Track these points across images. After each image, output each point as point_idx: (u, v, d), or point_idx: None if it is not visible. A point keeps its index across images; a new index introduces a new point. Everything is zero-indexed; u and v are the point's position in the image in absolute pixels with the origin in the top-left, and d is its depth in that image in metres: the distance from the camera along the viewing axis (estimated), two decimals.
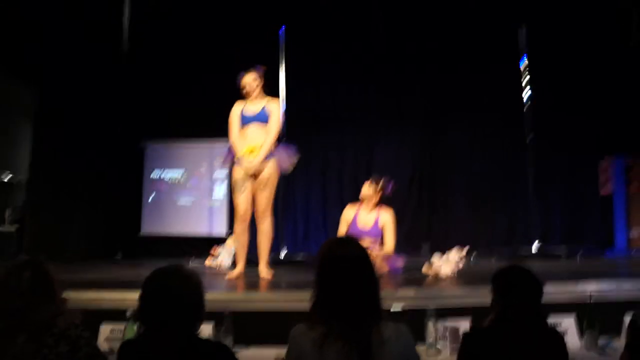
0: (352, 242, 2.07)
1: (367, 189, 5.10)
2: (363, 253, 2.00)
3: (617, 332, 3.09)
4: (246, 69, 5.04)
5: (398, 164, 7.60)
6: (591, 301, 3.08)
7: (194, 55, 7.56)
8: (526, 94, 6.82)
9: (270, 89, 6.71)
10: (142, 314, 1.98)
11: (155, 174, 8.06)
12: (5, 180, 8.09)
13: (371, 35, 7.18)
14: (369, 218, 5.07)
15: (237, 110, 5.00)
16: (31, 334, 2.03)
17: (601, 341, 2.94)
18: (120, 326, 3.09)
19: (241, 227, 4.95)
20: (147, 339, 1.97)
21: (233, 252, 6.25)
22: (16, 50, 6.44)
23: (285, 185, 7.17)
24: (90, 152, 7.24)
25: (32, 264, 2.16)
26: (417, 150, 7.75)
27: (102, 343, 3.03)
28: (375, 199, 5.08)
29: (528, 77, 6.83)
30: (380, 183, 5.12)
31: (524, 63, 6.85)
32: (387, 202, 5.21)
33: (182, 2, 6.92)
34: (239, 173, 4.86)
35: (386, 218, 5.02)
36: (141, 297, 1.97)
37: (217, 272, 5.61)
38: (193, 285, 2.01)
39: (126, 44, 6.42)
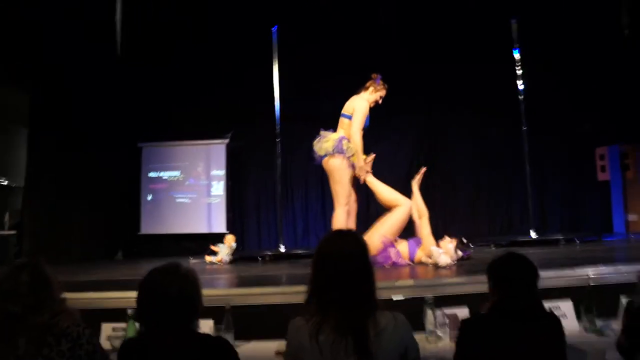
0: (349, 235, 2.09)
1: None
2: (358, 246, 2.01)
3: (615, 315, 3.11)
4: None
5: (396, 156, 7.63)
6: (589, 285, 3.09)
7: (190, 56, 7.57)
8: (522, 84, 6.81)
9: (264, 87, 6.82)
10: (140, 313, 2.00)
11: (153, 174, 8.07)
12: (5, 184, 8.12)
13: (367, 29, 7.19)
14: None
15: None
16: (32, 336, 2.04)
17: (599, 323, 2.96)
18: (121, 325, 3.10)
19: None
20: (147, 337, 1.98)
21: (233, 248, 6.33)
22: (11, 55, 6.44)
23: (284, 181, 7.21)
24: (88, 154, 7.25)
25: (29, 266, 2.16)
26: (416, 142, 7.78)
27: (104, 342, 3.04)
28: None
29: (523, 68, 6.82)
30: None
31: (518, 54, 6.83)
32: None
33: (177, 3, 6.92)
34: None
35: None
36: (139, 297, 1.99)
37: (218, 268, 5.63)
38: (190, 283, 2.01)
39: (119, 45, 6.42)
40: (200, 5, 6.96)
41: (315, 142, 5.30)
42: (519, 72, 6.80)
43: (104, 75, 7.15)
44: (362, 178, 5.23)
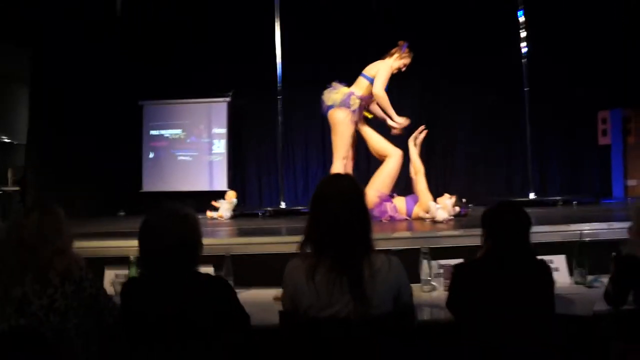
0: (345, 178, 2.13)
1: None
2: (354, 188, 2.06)
3: (607, 271, 3.17)
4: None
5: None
6: (581, 239, 3.15)
7: (188, 11, 7.50)
8: (524, 48, 6.74)
9: (266, 46, 6.77)
10: (141, 256, 2.06)
11: (154, 132, 8.10)
12: (7, 141, 8.16)
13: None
14: None
15: None
16: (38, 274, 2.11)
17: (590, 278, 3.02)
18: (124, 271, 3.18)
19: None
20: (149, 277, 2.05)
21: (234, 204, 6.42)
22: (11, 11, 6.39)
23: (285, 139, 7.23)
24: (89, 112, 7.24)
25: (40, 206, 2.25)
26: (417, 107, 7.72)
27: (108, 287, 3.11)
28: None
29: (525, 31, 6.74)
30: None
31: (521, 17, 6.75)
32: None
33: None
34: None
35: None
36: (139, 240, 2.04)
37: (219, 222, 5.71)
38: (189, 225, 2.06)
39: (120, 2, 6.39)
40: None
41: (325, 92, 5.37)
42: (523, 34, 6.72)
43: (104, 33, 7.11)
44: (394, 132, 5.42)
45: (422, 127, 5.38)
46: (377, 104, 5.37)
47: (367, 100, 5.40)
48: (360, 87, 5.34)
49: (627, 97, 7.29)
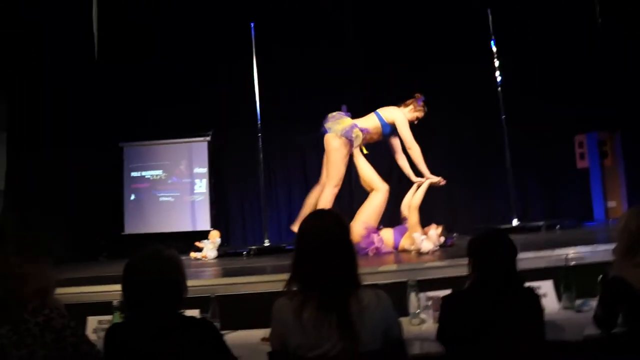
0: (329, 214, 2.12)
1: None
2: (339, 225, 2.04)
3: (594, 294, 3.17)
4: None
5: (379, 152, 7.63)
6: (567, 264, 3.16)
7: (169, 54, 7.54)
8: (499, 75, 6.84)
9: (244, 85, 6.82)
10: (125, 299, 2.01)
11: (135, 173, 8.04)
12: None
13: (343, 30, 7.23)
14: None
15: None
16: (16, 321, 2.04)
17: (578, 302, 3.02)
18: (107, 317, 3.11)
19: None
20: (133, 321, 2.00)
21: (218, 243, 6.37)
22: None
23: (267, 177, 7.22)
24: (69, 156, 7.17)
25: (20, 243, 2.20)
26: None
27: (90, 334, 3.05)
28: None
29: (499, 59, 6.84)
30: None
31: (493, 47, 6.84)
32: None
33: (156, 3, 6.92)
34: None
35: None
36: (123, 283, 2.00)
37: (203, 262, 5.65)
38: (173, 266, 2.03)
39: (97, 44, 6.40)
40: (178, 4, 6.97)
41: (329, 116, 5.45)
42: (497, 63, 6.83)
43: (83, 75, 7.09)
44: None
45: (441, 179, 5.49)
46: (411, 156, 5.42)
47: (369, 134, 5.46)
48: (368, 122, 5.44)
49: (602, 120, 7.42)
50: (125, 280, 2.00)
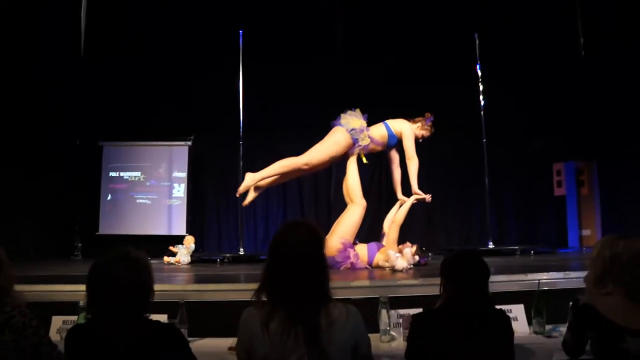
0: (304, 225, 2.08)
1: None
2: (312, 236, 2.00)
3: (565, 320, 3.18)
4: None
5: (362, 169, 7.63)
6: (539, 289, 3.17)
7: (153, 56, 7.48)
8: (483, 100, 6.89)
9: (229, 92, 6.79)
10: (90, 300, 1.97)
11: (113, 174, 7.95)
12: None
13: (332, 45, 7.29)
14: None
15: None
16: None
17: (548, 327, 3.03)
18: (72, 317, 3.04)
19: None
20: (96, 323, 1.95)
21: (192, 249, 6.32)
22: None
23: None
24: (47, 152, 7.07)
25: None
26: (372, 156, 7.75)
27: (54, 335, 2.98)
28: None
29: (483, 84, 6.91)
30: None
31: (478, 71, 6.92)
32: None
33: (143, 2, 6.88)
34: None
35: None
36: (88, 284, 1.96)
37: (175, 267, 5.59)
38: (140, 268, 2.00)
39: (83, 42, 6.34)
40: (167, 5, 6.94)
41: (343, 113, 5.49)
42: (481, 87, 6.89)
43: (68, 71, 7.01)
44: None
45: (428, 196, 5.50)
46: (408, 167, 5.44)
47: (375, 143, 5.48)
48: (376, 131, 5.46)
49: (580, 150, 7.54)
50: (90, 280, 1.95)
